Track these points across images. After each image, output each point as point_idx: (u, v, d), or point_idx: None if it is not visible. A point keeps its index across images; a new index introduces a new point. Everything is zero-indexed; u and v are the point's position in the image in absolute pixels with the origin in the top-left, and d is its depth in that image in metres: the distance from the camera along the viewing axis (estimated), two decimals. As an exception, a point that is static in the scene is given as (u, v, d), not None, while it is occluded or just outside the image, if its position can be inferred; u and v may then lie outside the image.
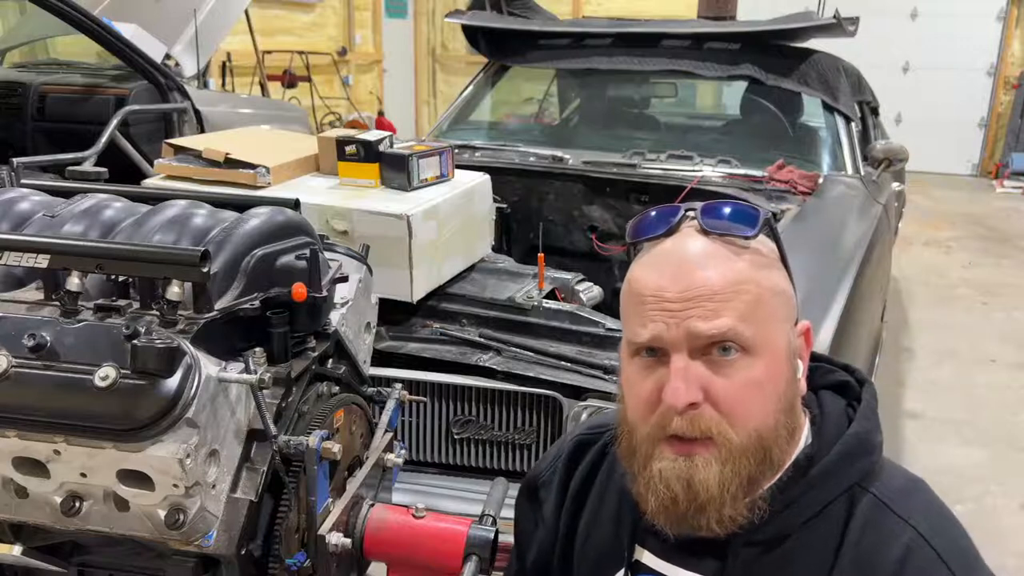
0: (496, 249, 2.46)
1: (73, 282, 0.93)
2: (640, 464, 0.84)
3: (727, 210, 0.86)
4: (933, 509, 0.87)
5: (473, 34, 3.51)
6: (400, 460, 1.26)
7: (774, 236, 0.88)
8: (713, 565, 0.87)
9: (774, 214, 2.40)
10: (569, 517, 1.03)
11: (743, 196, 2.50)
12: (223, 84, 6.87)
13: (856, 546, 0.83)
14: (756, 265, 0.84)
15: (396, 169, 2.04)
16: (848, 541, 0.83)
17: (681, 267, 0.83)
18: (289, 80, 7.69)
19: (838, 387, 0.94)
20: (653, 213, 0.88)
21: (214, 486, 0.94)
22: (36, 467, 0.93)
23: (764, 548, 0.85)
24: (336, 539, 1.05)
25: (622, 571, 0.94)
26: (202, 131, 3.68)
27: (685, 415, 0.80)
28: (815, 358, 0.96)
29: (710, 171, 2.74)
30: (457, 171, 2.19)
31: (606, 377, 1.77)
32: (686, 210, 0.86)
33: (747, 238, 0.84)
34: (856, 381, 0.94)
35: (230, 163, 2.06)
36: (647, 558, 0.92)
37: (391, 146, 2.08)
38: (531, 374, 1.80)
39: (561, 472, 1.05)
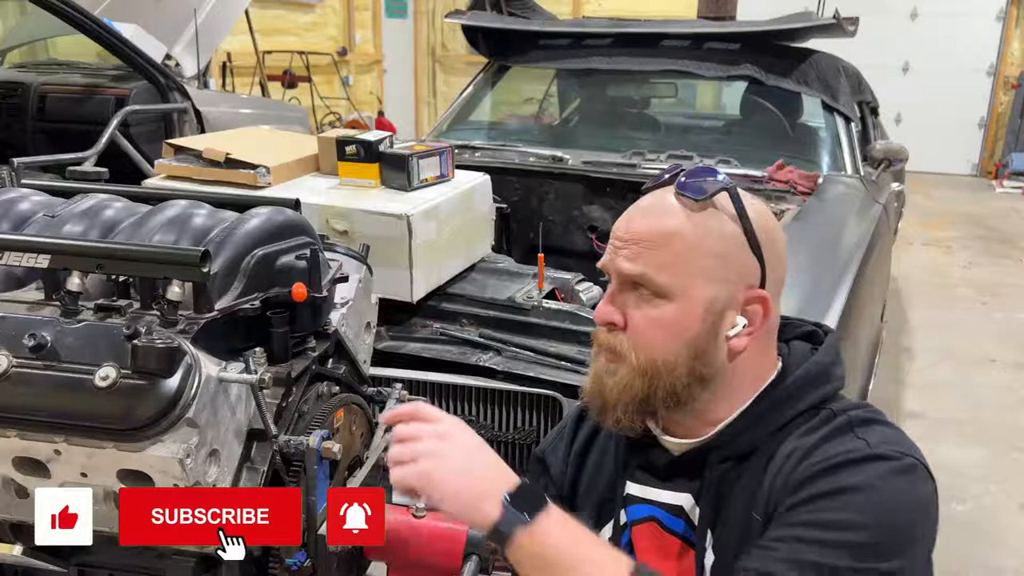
0: (496, 249, 2.46)
1: (73, 282, 0.93)
2: (592, 361, 1.02)
3: (697, 174, 0.97)
4: (889, 435, 0.93)
5: (473, 34, 3.51)
6: (400, 460, 1.26)
7: (737, 205, 0.95)
8: (693, 483, 0.99)
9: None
10: (573, 471, 1.12)
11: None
12: (223, 84, 6.87)
13: (810, 450, 0.92)
14: (698, 226, 0.94)
15: (396, 169, 2.04)
16: (805, 449, 0.92)
17: (635, 213, 0.98)
18: (289, 80, 7.68)
19: (806, 336, 1.06)
20: (661, 173, 1.02)
21: (214, 486, 0.94)
22: (36, 467, 0.93)
23: (736, 461, 0.96)
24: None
25: (615, 510, 1.05)
26: (202, 131, 3.68)
27: (610, 331, 0.97)
28: (786, 319, 1.06)
29: (710, 171, 2.73)
30: (457, 171, 2.19)
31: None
32: (680, 171, 0.99)
33: (697, 200, 0.94)
34: (823, 332, 1.06)
35: (230, 163, 2.06)
36: (634, 489, 1.04)
37: (391, 146, 2.08)
38: (531, 374, 1.80)
39: (567, 435, 1.17)
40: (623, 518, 1.05)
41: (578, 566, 0.84)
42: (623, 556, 0.87)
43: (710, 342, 0.94)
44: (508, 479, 0.88)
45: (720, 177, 0.96)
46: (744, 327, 0.95)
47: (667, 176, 0.99)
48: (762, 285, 0.95)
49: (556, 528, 0.85)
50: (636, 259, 0.94)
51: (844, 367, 1.01)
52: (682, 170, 0.98)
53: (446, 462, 0.87)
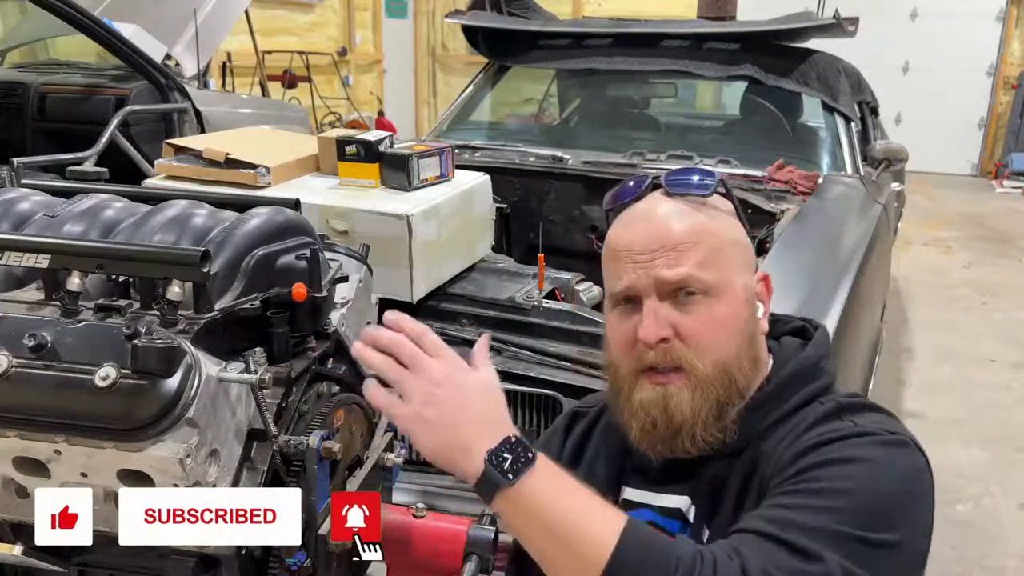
0: (496, 249, 2.46)
1: (73, 282, 0.93)
2: (624, 397, 0.96)
3: (685, 174, 0.99)
4: (878, 418, 0.92)
5: (473, 34, 3.51)
6: (400, 460, 1.26)
7: (729, 196, 1.01)
8: (688, 483, 0.98)
9: (773, 214, 2.41)
10: None
11: (743, 196, 2.51)
12: (223, 84, 6.87)
13: (800, 434, 0.91)
14: (713, 219, 0.96)
15: (396, 169, 2.04)
16: (796, 434, 0.92)
17: (648, 223, 0.95)
18: (289, 80, 7.69)
19: (796, 332, 1.06)
20: (625, 184, 1.02)
21: (214, 486, 0.94)
22: (36, 467, 0.93)
23: (728, 458, 0.95)
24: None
25: None
26: (202, 131, 3.68)
27: (658, 349, 0.92)
28: (775, 316, 1.07)
29: (710, 171, 2.73)
30: (457, 171, 2.19)
31: (606, 377, 1.76)
32: (653, 177, 1.00)
33: (704, 196, 0.96)
34: (812, 327, 1.06)
35: (230, 163, 2.06)
36: (629, 493, 1.03)
37: (391, 146, 2.08)
38: (531, 374, 1.80)
39: (557, 441, 1.15)
40: None
41: (562, 523, 0.79)
42: (615, 512, 0.82)
43: (754, 325, 0.97)
44: (494, 434, 0.82)
45: (700, 174, 0.98)
46: (762, 310, 0.99)
47: (642, 187, 0.99)
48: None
49: (541, 487, 0.80)
50: (675, 264, 0.92)
51: (834, 361, 1.04)
52: (655, 178, 0.99)
53: (434, 411, 0.82)
